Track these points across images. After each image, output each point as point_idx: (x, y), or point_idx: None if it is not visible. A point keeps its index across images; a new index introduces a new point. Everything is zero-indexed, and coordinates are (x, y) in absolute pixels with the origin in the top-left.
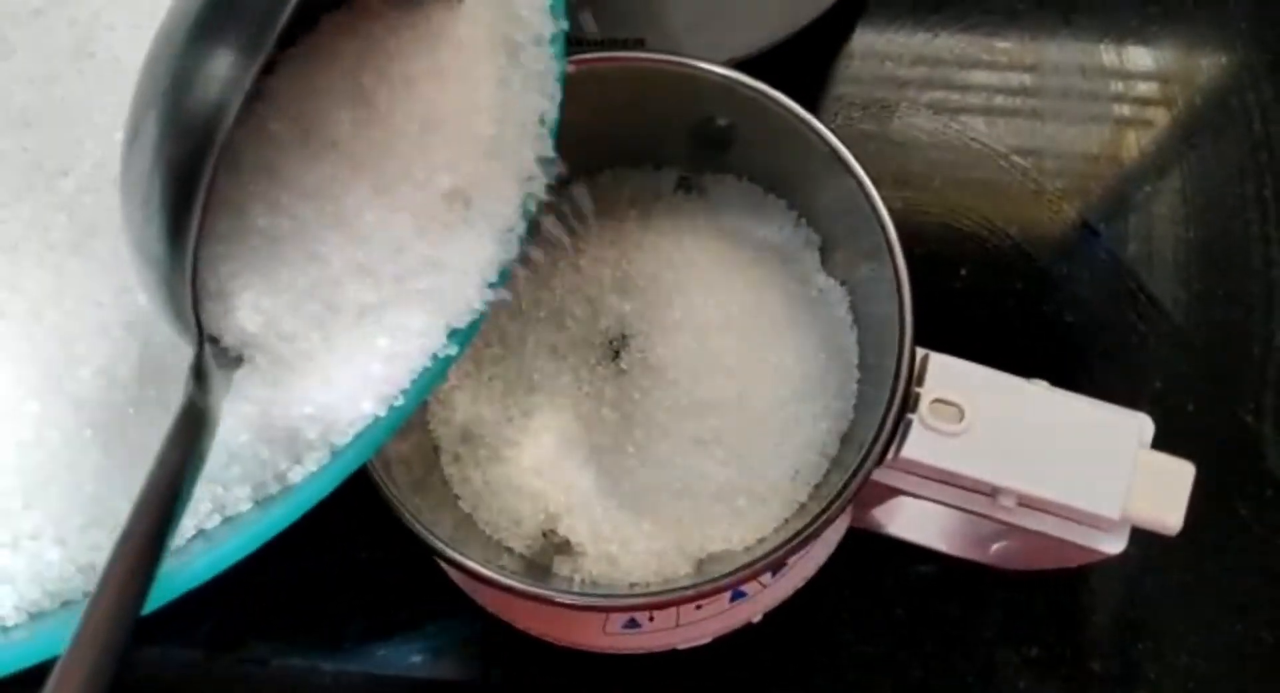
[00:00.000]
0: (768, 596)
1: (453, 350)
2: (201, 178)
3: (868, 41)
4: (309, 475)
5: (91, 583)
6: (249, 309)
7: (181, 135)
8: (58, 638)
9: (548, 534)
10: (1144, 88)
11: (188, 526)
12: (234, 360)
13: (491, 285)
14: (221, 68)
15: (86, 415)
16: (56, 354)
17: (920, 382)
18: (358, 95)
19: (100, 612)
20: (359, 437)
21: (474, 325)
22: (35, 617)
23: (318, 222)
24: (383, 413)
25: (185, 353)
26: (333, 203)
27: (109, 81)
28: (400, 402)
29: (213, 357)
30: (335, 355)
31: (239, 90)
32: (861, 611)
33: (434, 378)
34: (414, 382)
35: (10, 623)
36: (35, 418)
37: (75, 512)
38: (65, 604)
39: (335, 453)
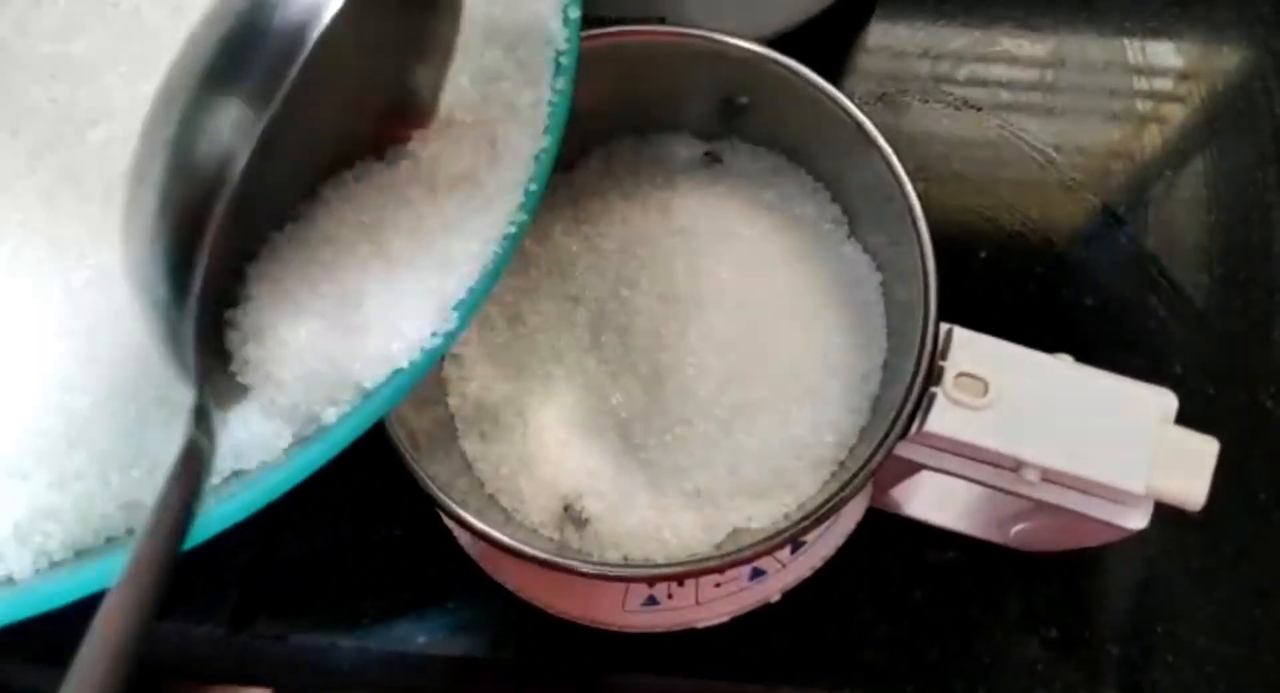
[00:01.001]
0: (787, 574)
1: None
2: (209, 225)
3: (884, 33)
4: (342, 416)
5: (134, 520)
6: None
7: (189, 181)
8: (101, 574)
9: (567, 509)
10: (1164, 76)
11: (226, 467)
12: (239, 391)
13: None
14: (230, 118)
15: (129, 359)
16: (96, 300)
17: (944, 356)
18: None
19: (95, 646)
20: (392, 377)
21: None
22: (81, 553)
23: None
24: (416, 356)
25: (186, 395)
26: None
27: (133, 32)
28: (434, 343)
29: (212, 396)
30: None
31: (248, 141)
32: (880, 592)
33: (461, 322)
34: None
35: (57, 558)
36: (79, 361)
37: (118, 451)
38: (109, 541)
39: (367, 395)
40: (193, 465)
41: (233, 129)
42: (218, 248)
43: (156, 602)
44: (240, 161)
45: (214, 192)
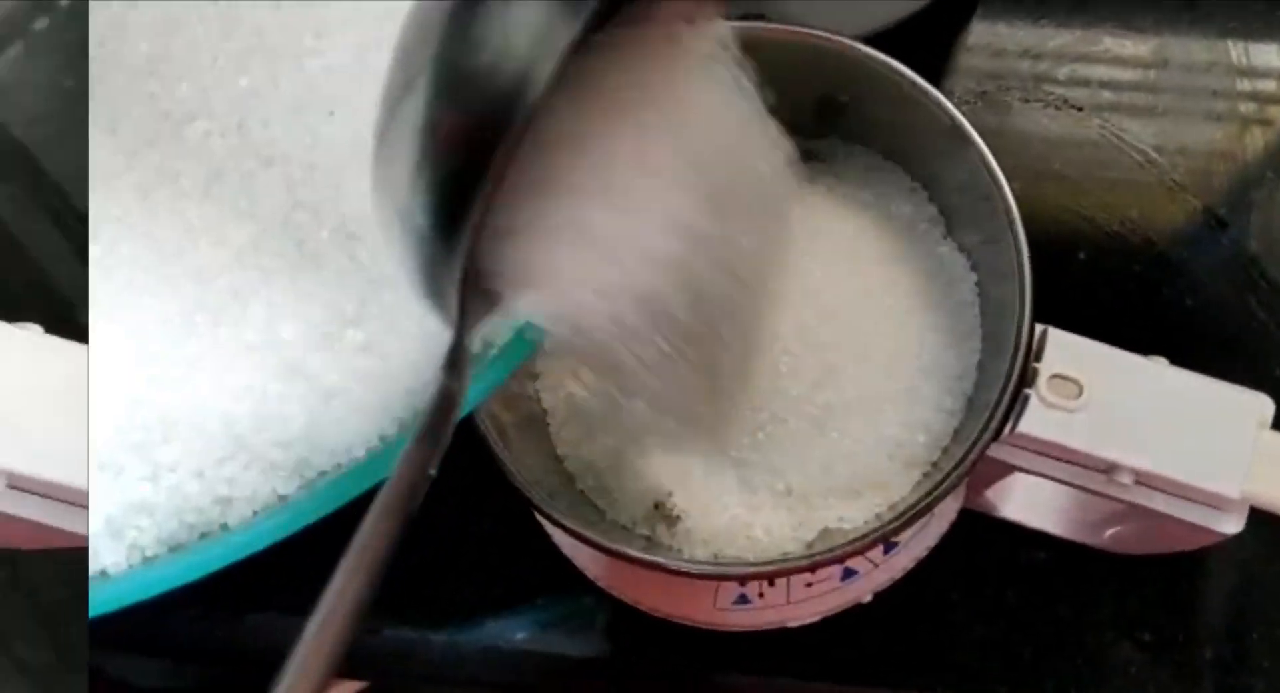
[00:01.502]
0: (879, 574)
1: None
2: (498, 151)
3: (985, 32)
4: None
5: (228, 516)
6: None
7: (471, 101)
8: (197, 566)
9: (658, 507)
10: (1268, 77)
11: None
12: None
13: None
14: (531, 29)
15: (221, 352)
16: (191, 291)
17: (1039, 357)
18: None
19: (348, 591)
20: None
21: None
22: (174, 548)
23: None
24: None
25: (443, 338)
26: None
27: (231, 27)
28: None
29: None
30: None
31: (552, 54)
32: (972, 593)
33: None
34: None
35: (150, 553)
36: (169, 357)
37: (212, 446)
38: (203, 536)
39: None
40: (441, 417)
41: (533, 42)
42: (502, 177)
43: (397, 542)
44: (542, 79)
45: (505, 114)
